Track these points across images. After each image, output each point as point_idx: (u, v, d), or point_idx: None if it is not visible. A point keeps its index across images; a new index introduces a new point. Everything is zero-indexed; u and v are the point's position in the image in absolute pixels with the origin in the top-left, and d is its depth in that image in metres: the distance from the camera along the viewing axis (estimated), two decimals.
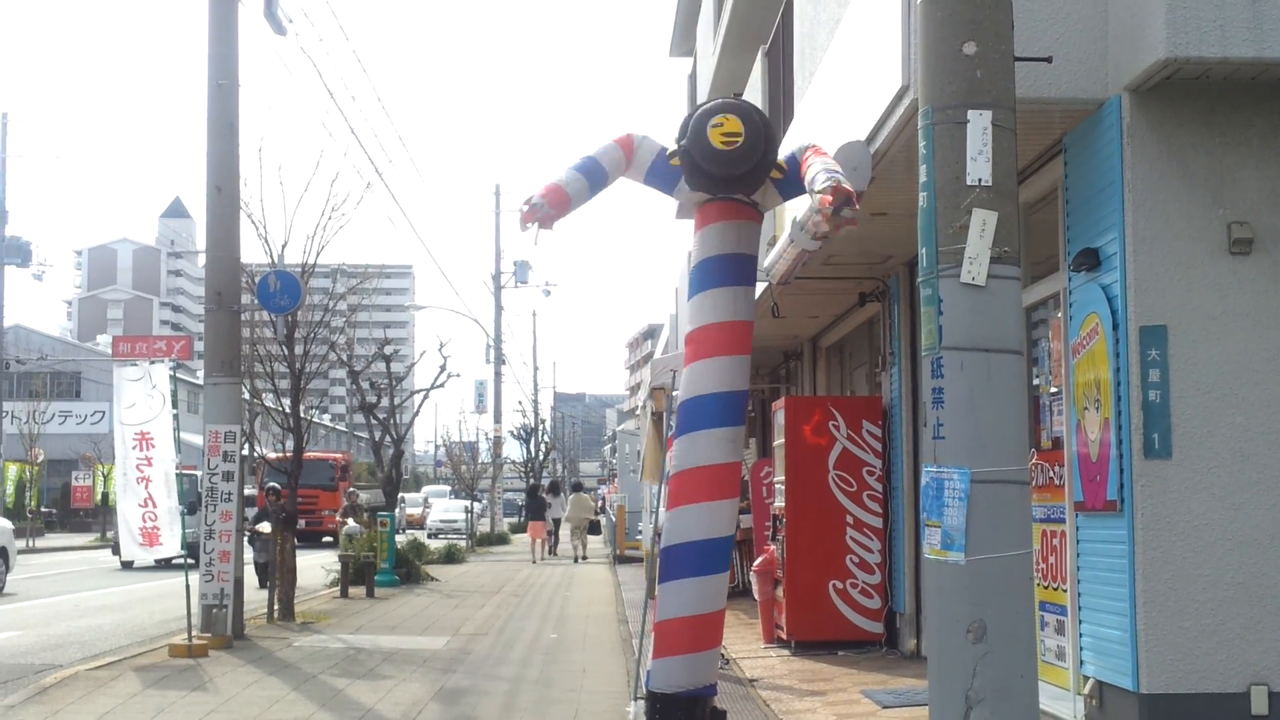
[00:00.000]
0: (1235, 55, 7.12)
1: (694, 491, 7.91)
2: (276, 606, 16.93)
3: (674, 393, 10.12)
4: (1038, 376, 9.26)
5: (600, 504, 45.24)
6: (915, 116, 6.06)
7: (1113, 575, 7.75)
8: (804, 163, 7.67)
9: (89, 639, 15.91)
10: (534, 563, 32.88)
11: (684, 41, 30.29)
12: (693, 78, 28.47)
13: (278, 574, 17.02)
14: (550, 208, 7.80)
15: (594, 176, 8.06)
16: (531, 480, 48.81)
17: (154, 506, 13.74)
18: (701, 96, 24.34)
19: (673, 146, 7.99)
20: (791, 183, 7.91)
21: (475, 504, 46.42)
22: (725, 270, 8.05)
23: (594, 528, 36.99)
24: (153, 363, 14.36)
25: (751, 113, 7.85)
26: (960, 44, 5.64)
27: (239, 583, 14.88)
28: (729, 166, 7.71)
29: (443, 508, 55.71)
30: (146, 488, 13.74)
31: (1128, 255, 7.57)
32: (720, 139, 7.65)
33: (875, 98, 8.73)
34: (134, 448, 13.83)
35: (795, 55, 12.97)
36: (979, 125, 5.57)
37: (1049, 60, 7.55)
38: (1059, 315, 8.66)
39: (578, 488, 42.01)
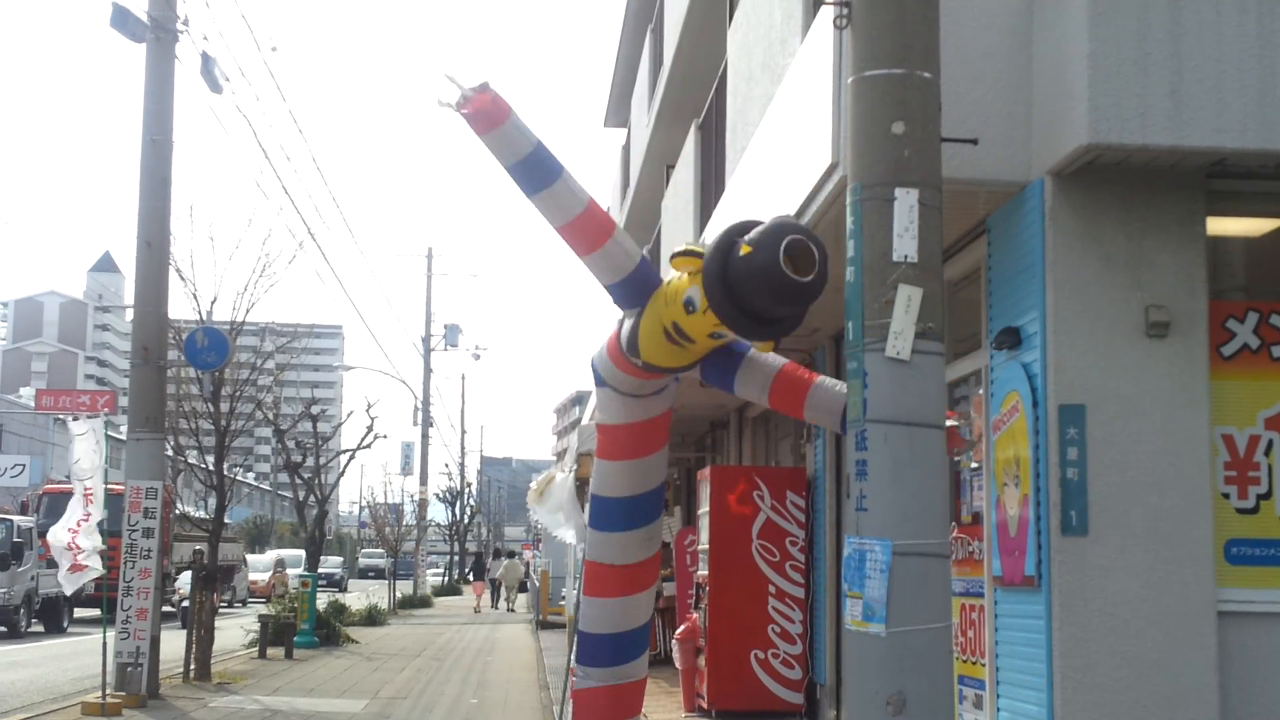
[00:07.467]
0: (1154, 143, 7.29)
1: (606, 586, 7.65)
2: (193, 666, 16.70)
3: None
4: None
5: (527, 568, 46.40)
6: (844, 193, 6.16)
7: (1030, 650, 7.82)
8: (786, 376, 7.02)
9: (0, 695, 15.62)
10: (476, 611, 41.09)
11: (619, 113, 30.56)
12: (626, 149, 28.70)
13: (195, 633, 16.81)
14: (480, 110, 6.61)
15: (541, 167, 6.72)
16: (476, 548, 61.58)
17: (77, 553, 13.95)
18: (635, 168, 24.58)
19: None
20: (720, 368, 7.09)
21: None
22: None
23: (523, 586, 44.90)
24: (91, 417, 14.45)
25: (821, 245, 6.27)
26: (889, 123, 5.75)
27: (155, 641, 14.67)
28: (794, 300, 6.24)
29: None
30: (74, 538, 13.97)
31: (1048, 335, 7.70)
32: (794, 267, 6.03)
33: (805, 173, 8.83)
34: (81, 503, 14.08)
35: (728, 130, 13.13)
36: (906, 203, 5.67)
37: (975, 142, 7.70)
38: (980, 392, 8.78)
39: (511, 555, 53.32)
